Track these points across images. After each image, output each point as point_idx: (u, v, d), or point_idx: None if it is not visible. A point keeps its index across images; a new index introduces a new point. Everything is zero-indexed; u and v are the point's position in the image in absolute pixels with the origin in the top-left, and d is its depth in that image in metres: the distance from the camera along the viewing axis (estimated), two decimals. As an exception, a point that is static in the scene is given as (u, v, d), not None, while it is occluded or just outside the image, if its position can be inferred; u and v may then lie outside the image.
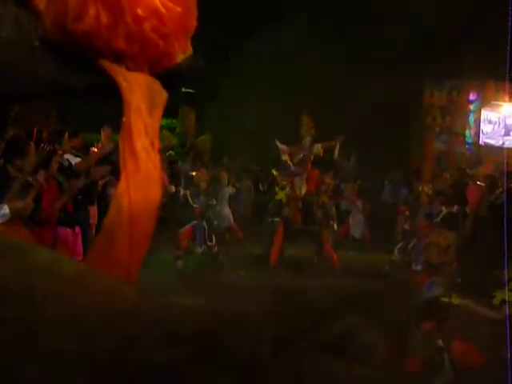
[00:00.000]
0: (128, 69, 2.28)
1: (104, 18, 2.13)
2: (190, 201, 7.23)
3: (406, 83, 12.67)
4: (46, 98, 2.49)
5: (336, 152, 7.36)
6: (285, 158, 7.26)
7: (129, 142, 2.22)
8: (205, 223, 7.08)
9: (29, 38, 2.13)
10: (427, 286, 3.50)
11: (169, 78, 2.48)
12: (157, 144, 2.27)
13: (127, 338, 0.82)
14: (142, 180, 2.19)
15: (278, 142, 7.38)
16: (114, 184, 4.82)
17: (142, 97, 2.25)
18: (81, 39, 2.14)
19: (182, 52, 2.46)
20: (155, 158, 2.31)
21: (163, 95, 2.34)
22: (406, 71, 12.65)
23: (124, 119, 2.24)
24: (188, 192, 7.31)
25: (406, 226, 7.30)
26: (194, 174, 7.92)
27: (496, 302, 3.39)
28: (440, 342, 3.34)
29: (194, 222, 7.03)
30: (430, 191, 7.31)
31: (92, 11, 2.10)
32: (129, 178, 2.17)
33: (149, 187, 2.24)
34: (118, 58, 2.25)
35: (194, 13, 2.36)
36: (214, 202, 7.45)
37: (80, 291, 1.03)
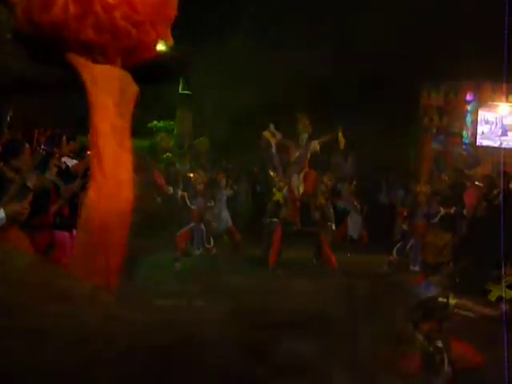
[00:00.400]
0: (97, 61, 2.13)
1: (72, 8, 2.00)
2: (188, 203, 7.23)
3: (403, 84, 12.70)
4: (15, 91, 2.35)
5: (342, 144, 7.30)
6: (273, 151, 7.27)
7: (95, 146, 2.07)
8: (203, 225, 7.07)
9: (1, 30, 2.04)
10: (424, 287, 3.50)
11: (149, 70, 2.33)
12: (127, 144, 2.11)
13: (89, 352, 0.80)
14: (110, 187, 2.05)
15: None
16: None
17: (109, 93, 2.09)
18: (49, 31, 2.01)
19: (160, 41, 2.31)
20: (125, 160, 2.15)
21: (134, 89, 2.17)
22: (404, 72, 12.66)
23: (90, 120, 2.10)
24: (186, 194, 7.30)
25: (405, 227, 7.29)
26: (191, 175, 7.90)
27: (492, 297, 3.40)
28: (439, 342, 3.33)
29: (192, 224, 7.03)
30: (428, 191, 7.31)
31: (60, 1, 1.98)
32: (97, 187, 2.05)
33: (119, 194, 2.10)
34: (88, 49, 2.10)
35: (173, 0, 2.22)
36: (212, 203, 7.43)
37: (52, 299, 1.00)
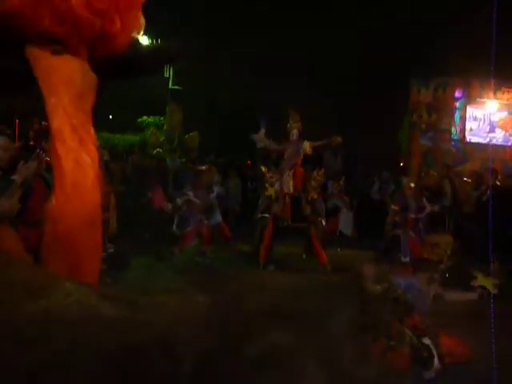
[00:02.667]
0: (57, 52, 1.96)
1: None
2: (193, 199, 7.12)
3: (393, 81, 12.77)
4: None
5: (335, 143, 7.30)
6: (262, 145, 7.26)
7: (52, 148, 1.95)
8: (203, 218, 7.04)
9: None
10: (407, 280, 3.55)
11: (126, 62, 2.17)
12: (90, 138, 1.96)
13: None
14: (70, 193, 1.94)
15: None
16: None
17: (65, 87, 1.94)
18: (3, 20, 1.86)
19: (129, 30, 2.12)
20: (88, 157, 2.00)
21: (93, 80, 2.01)
22: (394, 69, 12.73)
23: (48, 121, 1.95)
24: (190, 193, 7.17)
25: (396, 219, 7.33)
26: (203, 168, 7.79)
27: (476, 283, 3.46)
28: (426, 339, 3.38)
29: (194, 219, 6.98)
30: (413, 185, 7.41)
31: None
32: (57, 194, 1.95)
33: (81, 196, 1.98)
34: (47, 40, 1.93)
35: None
36: (215, 194, 7.37)
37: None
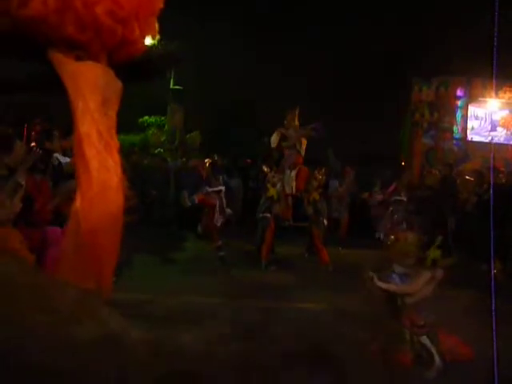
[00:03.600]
0: (80, 58, 2.01)
1: (51, 3, 1.87)
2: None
3: (394, 80, 12.76)
4: None
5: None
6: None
7: (79, 151, 1.97)
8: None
9: None
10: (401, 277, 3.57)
11: (138, 66, 2.21)
12: (114, 144, 2.00)
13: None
14: (96, 193, 1.96)
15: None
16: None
17: (91, 92, 1.98)
18: (27, 26, 1.89)
19: (146, 37, 2.17)
20: (112, 163, 2.04)
21: (117, 86, 2.05)
22: (396, 68, 12.73)
23: (73, 124, 1.97)
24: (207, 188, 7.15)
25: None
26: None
27: (428, 262, 3.47)
28: (424, 338, 3.39)
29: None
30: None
31: None
32: (83, 195, 1.97)
33: (106, 200, 2.00)
34: (70, 46, 1.97)
35: None
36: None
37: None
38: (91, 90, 1.99)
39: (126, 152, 9.82)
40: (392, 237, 3.73)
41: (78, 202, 2.01)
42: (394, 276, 3.55)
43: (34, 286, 1.10)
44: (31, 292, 1.05)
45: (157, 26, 2.21)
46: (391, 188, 8.13)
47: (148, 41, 2.27)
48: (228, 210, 7.10)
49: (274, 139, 7.27)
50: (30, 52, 2.01)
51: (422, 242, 3.60)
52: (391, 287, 3.51)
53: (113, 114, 2.10)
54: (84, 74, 1.99)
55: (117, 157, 2.09)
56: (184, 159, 11.21)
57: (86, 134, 1.97)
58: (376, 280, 3.48)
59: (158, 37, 2.24)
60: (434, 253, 3.53)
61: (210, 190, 7.04)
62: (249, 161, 11.15)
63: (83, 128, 1.97)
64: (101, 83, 2.02)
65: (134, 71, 2.23)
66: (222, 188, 7.15)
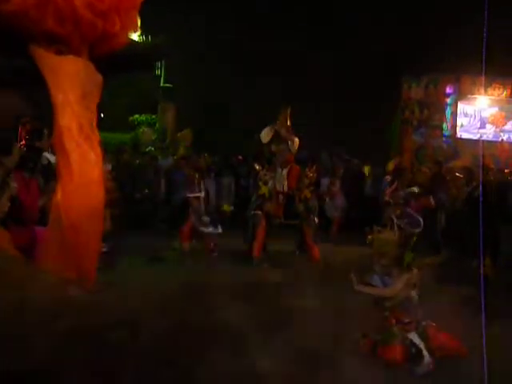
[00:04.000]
0: (61, 52, 2.02)
1: None
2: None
3: (384, 77, 12.82)
4: None
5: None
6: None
7: (60, 144, 1.98)
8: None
9: None
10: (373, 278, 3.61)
11: (122, 59, 2.22)
12: (95, 136, 2.01)
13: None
14: (77, 186, 1.97)
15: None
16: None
17: (71, 85, 1.99)
18: (9, 21, 1.90)
19: (127, 30, 2.18)
20: (94, 154, 2.05)
21: (98, 79, 2.05)
22: (385, 67, 12.78)
23: (54, 118, 1.98)
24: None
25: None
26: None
27: (404, 265, 3.52)
28: (412, 335, 3.41)
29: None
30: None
31: None
32: (63, 187, 1.97)
33: (87, 193, 2.01)
34: (51, 40, 1.99)
35: None
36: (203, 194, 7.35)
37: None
38: (71, 84, 1.99)
39: (116, 150, 9.79)
40: (369, 236, 3.76)
41: (58, 195, 2.01)
42: (376, 277, 3.58)
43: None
44: None
45: (138, 19, 2.20)
46: (393, 187, 8.01)
47: (135, 36, 2.27)
48: (205, 218, 7.07)
49: (266, 135, 7.26)
50: (12, 47, 1.99)
51: (402, 241, 3.64)
52: (370, 290, 3.55)
53: (93, 107, 2.10)
54: (64, 67, 1.99)
55: (98, 150, 2.09)
56: (175, 157, 11.16)
57: (66, 128, 1.96)
58: (356, 284, 3.52)
59: (139, 31, 2.22)
60: (408, 256, 3.57)
61: (190, 195, 7.05)
62: (240, 158, 11.14)
63: (63, 121, 1.96)
64: (81, 77, 2.03)
65: (118, 64, 2.23)
66: (201, 194, 7.12)
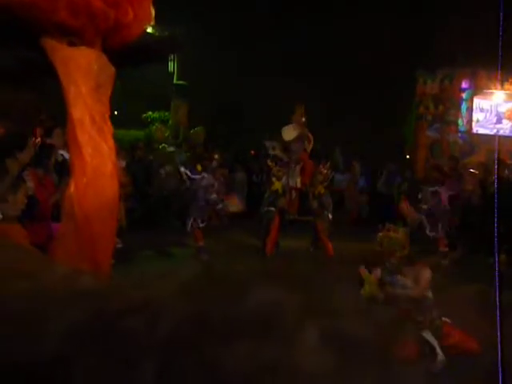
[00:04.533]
0: (73, 44, 1.99)
1: None
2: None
3: (399, 73, 12.68)
4: None
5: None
6: (275, 152, 7.27)
7: (72, 137, 1.96)
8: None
9: None
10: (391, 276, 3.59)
11: (135, 51, 2.19)
12: (107, 129, 1.99)
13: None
14: (90, 179, 1.95)
15: (266, 142, 7.44)
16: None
17: (83, 77, 1.96)
18: (19, 11, 1.87)
19: (141, 21, 2.15)
20: (106, 149, 2.03)
21: (110, 71, 2.02)
22: (399, 60, 12.64)
23: (66, 111, 1.97)
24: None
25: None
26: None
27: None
28: (425, 332, 3.38)
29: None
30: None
31: None
32: (76, 180, 1.96)
33: (101, 186, 1.99)
34: (64, 32, 1.95)
35: None
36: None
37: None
38: (84, 76, 1.98)
39: (130, 147, 9.86)
40: (380, 234, 3.74)
41: (71, 188, 2.00)
42: (389, 277, 3.56)
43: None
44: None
45: (152, 10, 2.18)
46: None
47: (149, 28, 2.25)
48: (213, 196, 6.90)
49: (289, 133, 7.19)
50: (22, 40, 1.98)
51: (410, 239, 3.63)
52: (396, 292, 3.51)
53: (106, 99, 2.08)
54: (76, 59, 1.98)
55: (111, 142, 2.08)
56: (188, 154, 11.19)
57: (78, 120, 1.96)
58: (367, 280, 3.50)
59: (153, 22, 2.20)
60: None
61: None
62: (252, 152, 11.13)
63: (76, 114, 1.96)
64: (94, 69, 2.01)
65: (131, 56, 2.20)
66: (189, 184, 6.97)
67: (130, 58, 2.22)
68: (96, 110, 2.01)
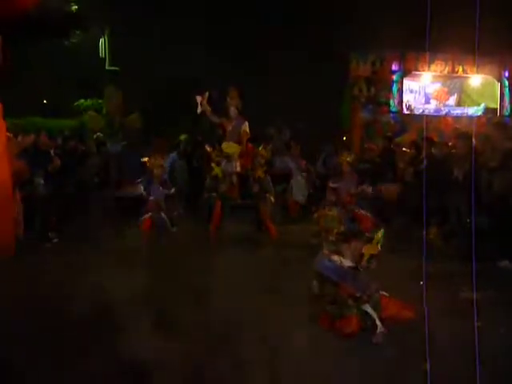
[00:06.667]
0: None
1: None
2: (144, 192, 6.87)
3: (333, 55, 12.93)
4: None
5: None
6: (203, 109, 7.08)
7: None
8: (163, 214, 6.83)
9: None
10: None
11: (27, 22, 2.07)
12: None
13: None
14: None
15: (206, 146, 7.31)
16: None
17: None
18: None
19: None
20: None
21: None
22: (333, 43, 12.87)
23: None
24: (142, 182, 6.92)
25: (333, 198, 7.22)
26: (146, 160, 7.36)
27: (365, 260, 3.63)
28: (366, 306, 3.53)
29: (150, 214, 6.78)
30: (351, 161, 7.21)
31: None
32: None
33: None
34: None
35: None
36: (173, 190, 7.06)
37: None
38: None
39: (62, 138, 9.40)
40: (315, 214, 3.87)
41: None
42: (326, 263, 3.66)
43: None
44: None
45: None
46: None
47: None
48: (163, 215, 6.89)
49: (204, 104, 7.04)
50: None
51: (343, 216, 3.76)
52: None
53: None
54: None
55: (2, 129, 1.98)
56: (125, 142, 10.86)
57: None
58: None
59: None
60: (380, 233, 3.66)
61: (151, 198, 6.83)
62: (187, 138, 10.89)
63: None
64: None
65: (26, 28, 2.06)
66: (161, 198, 6.89)
67: (24, 29, 2.07)
68: None
